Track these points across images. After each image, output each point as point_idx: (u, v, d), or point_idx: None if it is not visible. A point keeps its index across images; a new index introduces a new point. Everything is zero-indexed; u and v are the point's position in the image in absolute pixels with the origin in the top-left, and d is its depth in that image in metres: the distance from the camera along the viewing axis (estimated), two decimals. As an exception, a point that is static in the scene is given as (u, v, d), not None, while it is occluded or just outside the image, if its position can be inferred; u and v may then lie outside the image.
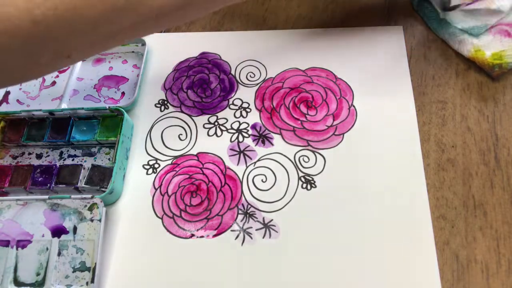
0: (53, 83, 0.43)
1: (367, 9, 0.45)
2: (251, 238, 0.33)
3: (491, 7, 0.37)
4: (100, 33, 0.26)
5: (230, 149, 0.37)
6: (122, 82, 0.43)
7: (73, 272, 0.32)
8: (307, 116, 0.38)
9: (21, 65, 0.25)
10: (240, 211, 0.34)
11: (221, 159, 0.37)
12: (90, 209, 0.34)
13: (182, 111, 0.40)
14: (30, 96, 0.43)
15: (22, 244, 0.33)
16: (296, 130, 0.38)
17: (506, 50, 0.37)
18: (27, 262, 0.33)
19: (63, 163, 0.38)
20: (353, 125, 0.37)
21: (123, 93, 0.42)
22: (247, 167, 0.36)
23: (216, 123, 0.39)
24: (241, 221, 0.34)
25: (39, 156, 0.39)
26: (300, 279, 0.31)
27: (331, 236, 0.32)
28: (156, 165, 0.37)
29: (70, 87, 0.43)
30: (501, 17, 0.38)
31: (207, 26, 0.46)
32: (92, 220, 0.33)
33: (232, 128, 0.38)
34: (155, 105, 0.41)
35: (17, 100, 0.42)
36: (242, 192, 0.35)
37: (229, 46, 0.44)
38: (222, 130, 0.38)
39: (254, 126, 0.38)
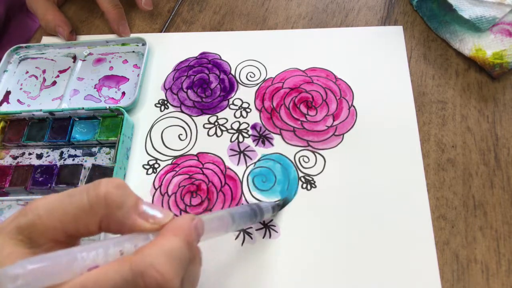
0: (54, 83, 0.44)
1: (367, 9, 0.45)
2: (251, 238, 0.33)
3: (505, 2, 0.37)
4: None
5: (230, 149, 0.37)
6: (122, 82, 0.43)
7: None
8: (307, 116, 0.38)
9: None
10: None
11: (221, 159, 0.37)
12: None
13: (182, 111, 0.40)
14: (30, 96, 0.43)
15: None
16: (296, 131, 0.38)
17: (507, 49, 0.37)
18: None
19: (63, 163, 0.38)
20: (353, 126, 0.37)
21: (123, 93, 0.42)
22: (247, 167, 0.36)
23: (216, 123, 0.39)
24: (241, 221, 0.34)
25: (39, 156, 0.39)
26: (300, 279, 0.31)
27: (331, 236, 0.32)
28: (156, 165, 0.37)
29: (70, 87, 0.43)
30: (508, 10, 0.37)
31: (207, 26, 0.46)
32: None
33: (232, 128, 0.38)
34: (155, 105, 0.41)
35: (18, 100, 0.43)
36: (242, 192, 0.35)
37: (229, 46, 0.44)
38: (222, 130, 0.38)
39: (254, 126, 0.38)
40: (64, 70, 0.44)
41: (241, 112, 0.39)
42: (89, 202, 0.19)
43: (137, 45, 0.45)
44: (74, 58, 0.45)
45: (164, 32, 0.46)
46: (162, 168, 0.37)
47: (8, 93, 0.43)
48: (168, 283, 0.18)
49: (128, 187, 0.21)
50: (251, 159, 0.37)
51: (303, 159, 0.36)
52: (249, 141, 0.38)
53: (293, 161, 0.36)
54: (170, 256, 0.19)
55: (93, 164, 0.37)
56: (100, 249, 0.18)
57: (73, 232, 0.20)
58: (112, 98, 0.42)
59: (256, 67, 0.42)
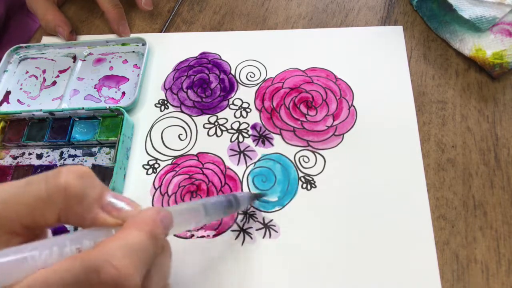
0: (54, 83, 0.44)
1: (367, 9, 0.45)
2: (251, 238, 0.33)
3: (505, 2, 0.37)
4: None
5: (230, 149, 0.37)
6: (122, 82, 0.43)
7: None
8: (307, 116, 0.38)
9: None
10: (240, 211, 0.34)
11: (221, 159, 0.37)
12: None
13: (182, 111, 0.40)
14: (30, 96, 0.43)
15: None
16: (296, 131, 0.38)
17: (507, 49, 0.37)
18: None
19: (63, 163, 0.38)
20: (353, 126, 0.37)
21: (123, 93, 0.42)
22: (247, 167, 0.36)
23: (216, 123, 0.39)
24: (241, 221, 0.34)
25: (39, 156, 0.39)
26: (300, 279, 0.31)
27: (331, 236, 0.32)
28: (156, 165, 0.37)
29: (70, 87, 0.43)
30: (508, 10, 0.37)
31: (207, 26, 0.46)
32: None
33: (232, 128, 0.38)
34: (155, 105, 0.41)
35: (18, 100, 0.43)
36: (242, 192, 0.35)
37: (229, 46, 0.44)
38: (222, 130, 0.38)
39: (254, 126, 0.38)
40: (64, 70, 0.44)
41: (241, 112, 0.39)
42: (47, 192, 0.18)
43: (137, 45, 0.45)
44: (74, 58, 0.45)
45: (164, 32, 0.46)
46: (162, 168, 0.37)
47: (8, 93, 0.43)
48: (127, 278, 0.17)
49: (93, 176, 0.19)
50: (251, 159, 0.37)
51: (303, 159, 0.36)
52: (249, 141, 0.38)
53: (293, 161, 0.36)
54: (129, 250, 0.17)
55: (93, 164, 0.37)
56: (54, 247, 0.17)
57: (30, 223, 0.18)
58: (112, 98, 0.42)
59: (256, 67, 0.42)
